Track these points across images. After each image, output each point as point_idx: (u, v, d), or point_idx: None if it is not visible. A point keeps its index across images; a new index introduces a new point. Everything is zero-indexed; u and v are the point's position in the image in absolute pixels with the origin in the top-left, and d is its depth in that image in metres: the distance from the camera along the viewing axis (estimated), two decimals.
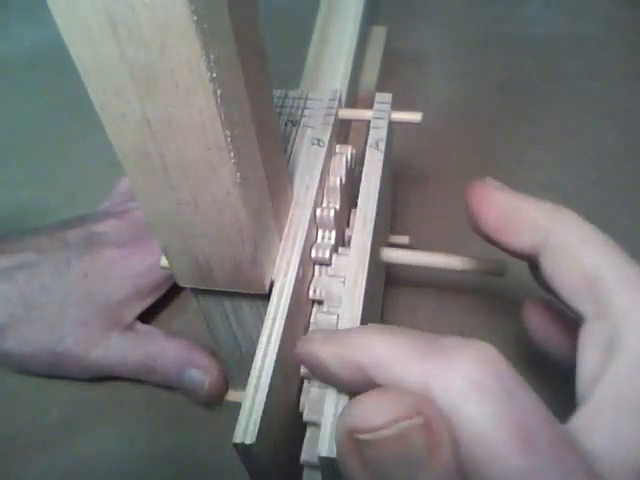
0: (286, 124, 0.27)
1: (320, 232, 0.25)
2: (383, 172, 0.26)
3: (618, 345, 0.16)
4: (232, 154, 0.17)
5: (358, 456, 0.14)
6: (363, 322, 0.22)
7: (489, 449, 0.13)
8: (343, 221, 0.26)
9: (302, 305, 0.23)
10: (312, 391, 0.20)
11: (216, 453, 0.31)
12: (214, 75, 0.15)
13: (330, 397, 0.18)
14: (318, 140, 0.26)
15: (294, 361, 0.19)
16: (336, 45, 0.35)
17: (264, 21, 0.19)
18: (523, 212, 0.18)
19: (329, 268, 0.24)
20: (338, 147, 0.27)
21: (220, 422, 0.32)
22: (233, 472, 0.26)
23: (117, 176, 0.39)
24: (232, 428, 0.19)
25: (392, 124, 0.28)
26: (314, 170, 0.25)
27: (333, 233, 0.25)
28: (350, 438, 0.14)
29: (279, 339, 0.20)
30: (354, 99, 0.36)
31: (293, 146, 0.26)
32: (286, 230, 0.23)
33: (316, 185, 0.24)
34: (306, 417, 0.20)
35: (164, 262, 0.23)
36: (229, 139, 0.17)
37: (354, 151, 0.27)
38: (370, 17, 0.40)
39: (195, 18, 0.14)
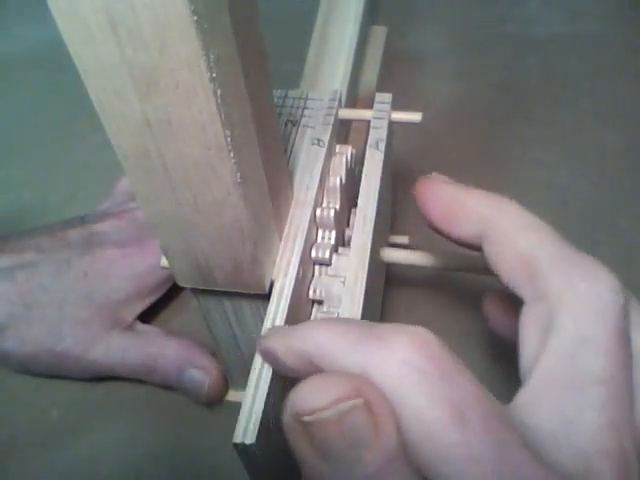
0: (286, 124, 0.27)
1: (320, 232, 0.25)
2: (383, 172, 0.26)
3: (554, 325, 0.16)
4: (232, 154, 0.17)
5: (305, 438, 0.15)
6: None
7: (425, 427, 0.14)
8: (343, 221, 0.26)
9: (302, 305, 0.23)
10: None
11: (216, 453, 0.31)
12: (214, 75, 0.15)
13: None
14: (318, 140, 0.26)
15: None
16: (336, 45, 0.35)
17: (264, 21, 0.19)
18: (465, 203, 0.19)
19: (329, 268, 0.24)
20: (338, 147, 0.27)
21: (220, 422, 0.32)
22: (233, 472, 0.26)
23: (117, 176, 0.39)
24: (232, 428, 0.19)
25: (392, 124, 0.28)
26: (314, 170, 0.25)
27: (333, 233, 0.25)
28: (295, 420, 0.15)
29: None
30: (354, 99, 0.36)
31: (293, 146, 0.26)
32: (286, 230, 0.23)
33: (316, 185, 0.24)
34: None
35: (164, 262, 0.23)
36: (229, 139, 0.17)
37: (354, 151, 0.27)
38: (370, 17, 0.40)
39: (195, 18, 0.14)
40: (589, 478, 0.15)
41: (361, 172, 0.26)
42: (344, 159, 0.26)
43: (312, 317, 0.24)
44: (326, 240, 0.25)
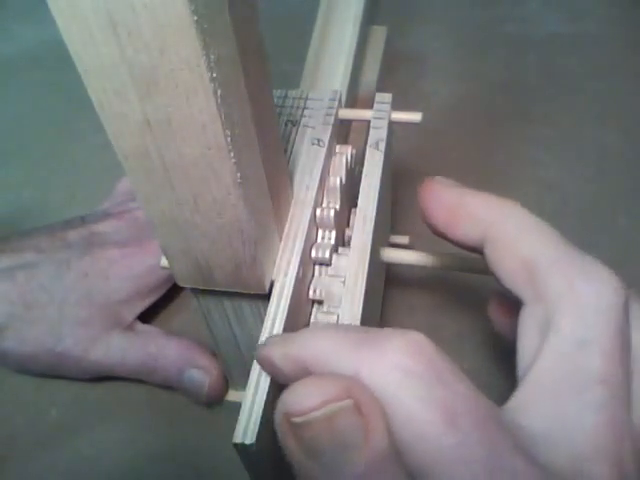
0: (286, 124, 0.27)
1: (320, 232, 0.25)
2: (383, 172, 0.26)
3: (552, 325, 0.16)
4: (232, 154, 0.17)
5: (295, 438, 0.15)
6: (363, 322, 0.22)
7: (418, 430, 0.14)
8: (343, 221, 0.26)
9: (302, 305, 0.23)
10: None
11: (216, 453, 0.31)
12: (214, 75, 0.15)
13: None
14: (318, 140, 0.26)
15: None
16: (336, 45, 0.35)
17: (264, 21, 0.19)
18: (467, 207, 0.19)
19: (329, 268, 0.24)
20: (338, 147, 0.27)
21: (220, 422, 0.32)
22: (233, 472, 0.26)
23: (117, 176, 0.39)
24: (232, 428, 0.19)
25: (392, 124, 0.28)
26: (314, 170, 0.25)
27: (333, 233, 0.25)
28: (286, 421, 0.15)
29: None
30: (354, 99, 0.36)
31: (293, 146, 0.26)
32: (286, 230, 0.23)
33: (316, 185, 0.24)
34: None
35: (164, 262, 0.23)
36: (229, 139, 0.17)
37: (354, 151, 0.27)
38: (370, 17, 0.40)
39: (195, 18, 0.14)
40: (584, 479, 0.14)
41: (361, 172, 0.26)
42: (344, 159, 0.26)
43: (312, 317, 0.24)
44: (326, 240, 0.25)
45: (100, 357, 0.31)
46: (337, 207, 0.25)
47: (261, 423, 0.19)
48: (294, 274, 0.22)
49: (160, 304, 0.35)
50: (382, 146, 0.26)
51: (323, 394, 0.14)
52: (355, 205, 0.25)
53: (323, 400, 0.14)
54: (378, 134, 0.27)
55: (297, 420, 0.14)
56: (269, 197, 0.21)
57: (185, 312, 0.36)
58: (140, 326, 0.33)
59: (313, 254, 0.24)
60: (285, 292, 0.22)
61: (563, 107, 0.45)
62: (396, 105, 0.28)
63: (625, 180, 0.41)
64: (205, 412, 0.32)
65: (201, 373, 0.31)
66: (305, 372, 0.16)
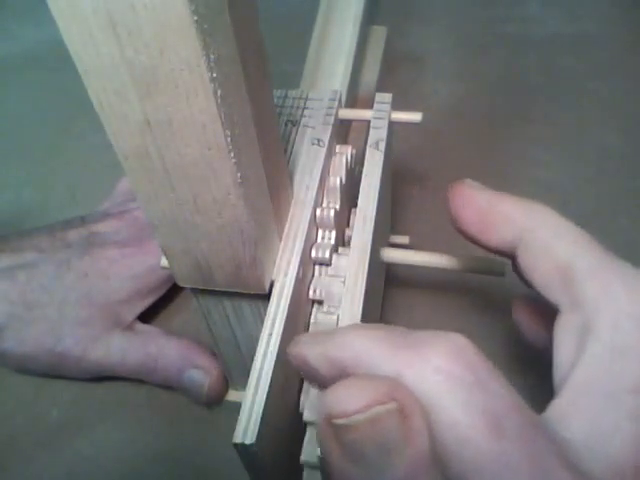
0: (286, 124, 0.27)
1: (320, 232, 0.25)
2: (383, 172, 0.26)
3: (590, 333, 0.16)
4: (232, 154, 0.17)
5: (336, 441, 0.14)
6: (363, 322, 0.22)
7: (461, 435, 0.14)
8: (343, 221, 0.26)
9: (302, 305, 0.23)
10: (312, 391, 0.20)
11: (216, 453, 0.31)
12: (214, 75, 0.15)
13: None
14: (318, 140, 0.26)
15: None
16: (336, 45, 0.35)
17: (264, 21, 0.19)
18: (499, 210, 0.19)
19: (329, 268, 0.24)
20: (338, 147, 0.27)
21: (220, 422, 0.32)
22: (233, 472, 0.26)
23: (117, 176, 0.39)
24: (232, 428, 0.19)
25: (392, 124, 0.28)
26: (314, 170, 0.25)
27: (333, 233, 0.25)
28: (327, 423, 0.14)
29: (279, 339, 0.20)
30: (354, 99, 0.36)
31: (293, 146, 0.26)
32: (286, 230, 0.23)
33: (316, 185, 0.24)
34: (306, 417, 0.20)
35: (164, 262, 0.23)
36: (229, 139, 0.17)
37: (354, 151, 0.27)
38: (370, 17, 0.40)
39: (195, 18, 0.14)
40: None
41: (361, 172, 0.26)
42: (344, 159, 0.26)
43: (312, 317, 0.24)
44: (326, 240, 0.25)
45: (100, 357, 0.31)
46: (337, 207, 0.25)
47: (261, 423, 0.19)
48: (294, 274, 0.22)
49: (160, 304, 0.35)
50: (382, 146, 0.26)
51: (367, 396, 0.14)
52: (355, 205, 0.25)
53: (367, 402, 0.14)
54: (378, 134, 0.27)
55: (340, 422, 0.14)
56: (269, 197, 0.21)
57: (185, 312, 0.36)
58: (140, 326, 0.33)
59: (313, 254, 0.24)
60: (285, 292, 0.22)
61: (563, 107, 0.46)
62: (396, 105, 0.28)
63: (625, 180, 0.41)
64: (205, 412, 0.32)
65: (201, 373, 0.31)
66: (342, 373, 0.16)
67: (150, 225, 0.20)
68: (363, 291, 0.22)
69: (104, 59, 0.15)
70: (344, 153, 0.27)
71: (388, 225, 0.35)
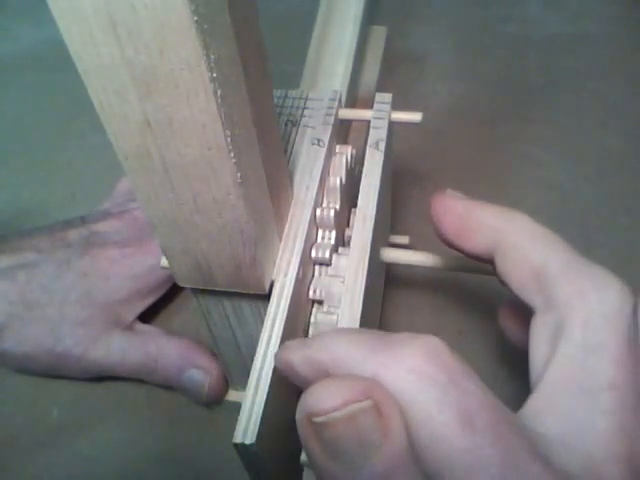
0: (286, 124, 0.27)
1: (320, 232, 0.25)
2: (383, 172, 0.26)
3: (563, 332, 0.17)
4: (232, 154, 0.17)
5: (316, 439, 0.15)
6: (363, 322, 0.22)
7: (434, 432, 0.14)
8: (343, 221, 0.26)
9: (302, 305, 0.23)
10: None
11: (216, 453, 0.31)
12: (214, 75, 0.15)
13: None
14: (318, 140, 0.26)
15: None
16: (336, 45, 0.35)
17: (264, 21, 0.19)
18: (477, 217, 0.20)
19: (329, 268, 0.24)
20: (338, 147, 0.27)
21: (220, 422, 0.32)
22: (233, 472, 0.26)
23: (117, 176, 0.39)
24: (232, 428, 0.19)
25: (392, 124, 0.28)
26: (314, 170, 0.25)
27: (333, 233, 0.25)
28: (307, 421, 0.15)
29: (279, 339, 0.20)
30: (354, 99, 0.36)
31: (293, 146, 0.26)
32: (286, 230, 0.23)
33: (316, 185, 0.24)
34: None
35: (164, 262, 0.23)
36: (229, 139, 0.17)
37: (354, 151, 0.27)
38: (370, 17, 0.40)
39: (195, 18, 0.14)
40: None
41: (361, 172, 0.26)
42: (344, 159, 0.26)
43: (312, 317, 0.24)
44: (326, 240, 0.25)
45: (100, 357, 0.31)
46: (337, 207, 0.25)
47: (261, 423, 0.19)
48: (294, 274, 0.22)
49: (160, 304, 0.35)
50: (382, 146, 0.26)
51: (344, 395, 0.15)
52: (355, 205, 0.25)
53: (344, 400, 0.14)
54: (378, 134, 0.27)
55: (318, 420, 0.15)
56: (269, 197, 0.21)
57: (185, 312, 0.36)
58: (140, 326, 0.33)
59: (313, 254, 0.24)
60: (285, 292, 0.22)
61: (563, 107, 0.46)
62: (396, 105, 0.28)
63: (625, 180, 0.41)
64: (205, 412, 0.32)
65: (201, 373, 0.31)
66: (324, 375, 0.16)
67: (150, 225, 0.20)
68: (362, 290, 0.22)
69: (104, 59, 0.15)
70: (344, 153, 0.27)
71: (388, 225, 0.35)
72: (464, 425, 0.14)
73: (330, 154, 0.26)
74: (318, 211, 0.24)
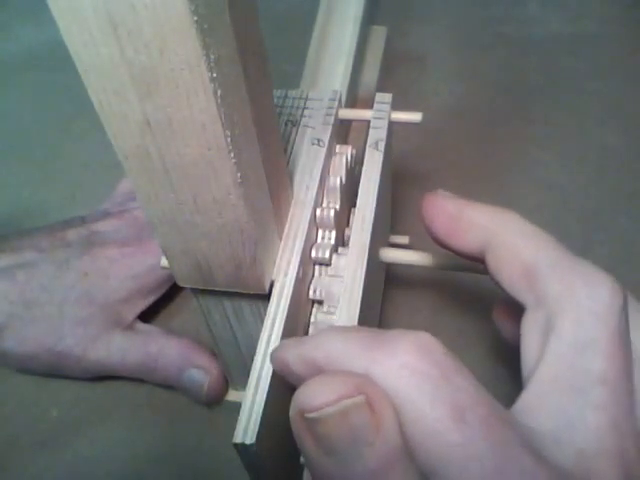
0: (286, 124, 0.27)
1: (320, 232, 0.25)
2: (383, 172, 0.26)
3: (553, 329, 0.17)
4: (232, 154, 0.17)
5: (309, 434, 0.15)
6: (362, 321, 0.22)
7: (427, 427, 0.14)
8: (343, 221, 0.26)
9: (302, 305, 0.23)
10: None
11: (216, 453, 0.31)
12: (214, 75, 0.15)
13: None
14: (318, 140, 0.26)
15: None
16: (336, 45, 0.35)
17: (264, 21, 0.19)
18: (468, 217, 0.20)
19: (329, 268, 0.24)
20: (338, 147, 0.27)
21: (220, 422, 0.32)
22: (233, 472, 0.26)
23: (117, 176, 0.39)
24: (232, 428, 0.19)
25: (392, 124, 0.28)
26: (314, 170, 0.25)
27: (333, 233, 0.25)
28: (300, 417, 0.15)
29: (279, 339, 0.20)
30: (354, 99, 0.36)
31: (293, 146, 0.26)
32: (286, 230, 0.23)
33: (316, 185, 0.24)
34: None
35: (164, 262, 0.23)
36: (229, 139, 0.17)
37: (354, 151, 0.27)
38: (370, 17, 0.40)
39: (195, 18, 0.14)
40: (590, 478, 0.15)
41: (361, 172, 0.26)
42: (344, 159, 0.26)
43: (312, 317, 0.24)
44: (326, 240, 0.25)
45: (100, 357, 0.31)
46: (337, 207, 0.25)
47: (261, 423, 0.19)
48: (294, 274, 0.22)
49: (160, 304, 0.35)
50: (382, 146, 0.26)
51: (336, 390, 0.15)
52: (355, 205, 0.25)
53: (336, 396, 0.15)
54: (378, 134, 0.27)
55: (311, 416, 0.15)
56: (269, 197, 0.21)
57: (185, 312, 0.36)
58: (140, 326, 0.33)
59: (313, 254, 0.24)
60: (285, 292, 0.22)
61: (563, 107, 0.46)
62: (396, 105, 0.28)
63: (625, 180, 0.41)
64: (205, 412, 0.32)
65: (201, 373, 0.31)
66: (318, 372, 0.16)
67: (150, 225, 0.20)
68: (361, 290, 0.22)
69: (104, 59, 0.15)
70: (344, 153, 0.27)
71: (388, 225, 0.35)
72: (457, 420, 0.14)
73: (330, 154, 0.26)
74: (318, 211, 0.24)
